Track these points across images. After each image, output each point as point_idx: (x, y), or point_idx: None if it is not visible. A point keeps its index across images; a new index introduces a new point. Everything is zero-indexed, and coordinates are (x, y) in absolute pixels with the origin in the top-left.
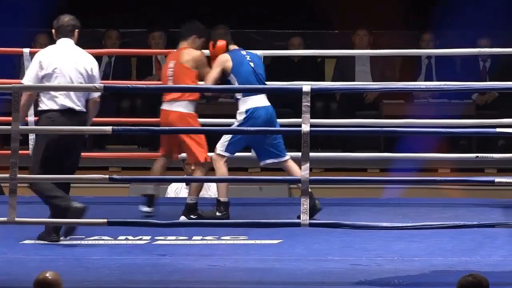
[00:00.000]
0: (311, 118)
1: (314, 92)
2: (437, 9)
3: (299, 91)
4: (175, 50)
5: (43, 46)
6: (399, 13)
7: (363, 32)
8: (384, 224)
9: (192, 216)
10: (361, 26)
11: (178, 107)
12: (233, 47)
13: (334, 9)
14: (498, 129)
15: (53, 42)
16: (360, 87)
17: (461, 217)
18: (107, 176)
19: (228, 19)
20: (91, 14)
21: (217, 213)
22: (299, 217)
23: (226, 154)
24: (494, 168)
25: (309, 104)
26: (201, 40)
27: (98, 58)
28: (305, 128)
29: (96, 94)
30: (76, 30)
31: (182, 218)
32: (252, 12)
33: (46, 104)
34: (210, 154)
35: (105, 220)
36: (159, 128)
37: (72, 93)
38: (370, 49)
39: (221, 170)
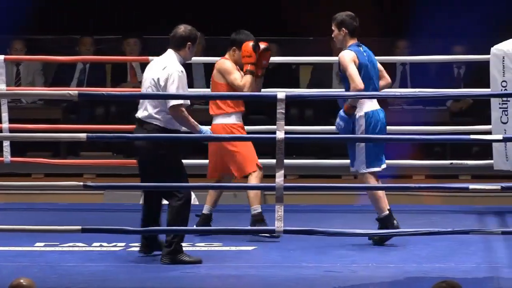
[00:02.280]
0: (285, 125)
1: (289, 99)
2: (412, 17)
3: (273, 98)
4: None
5: (19, 52)
6: (373, 20)
7: None
8: (358, 231)
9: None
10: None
11: (220, 120)
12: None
13: (309, 16)
14: (472, 136)
15: (28, 48)
16: (334, 94)
17: (435, 224)
18: (81, 183)
19: (203, 25)
20: (65, 21)
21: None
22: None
23: (373, 169)
24: (468, 175)
25: (283, 111)
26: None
27: (73, 64)
28: (280, 135)
29: (172, 103)
30: (189, 43)
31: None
32: (225, 18)
33: None
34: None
35: (80, 227)
36: (134, 135)
37: (142, 103)
38: None
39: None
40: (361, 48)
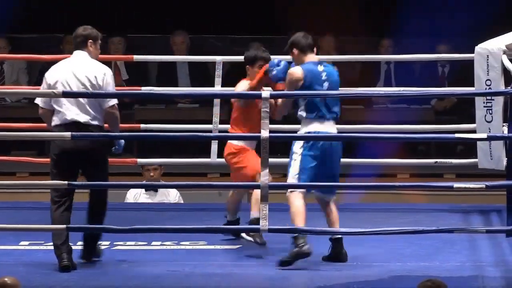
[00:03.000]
0: (270, 123)
1: (273, 98)
2: (396, 16)
3: (258, 97)
4: None
5: (3, 50)
6: (359, 19)
7: (329, 38)
8: (343, 230)
9: (251, 234)
10: (321, 31)
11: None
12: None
13: (294, 15)
14: (456, 135)
15: (12, 46)
16: (318, 92)
17: (420, 222)
18: (66, 182)
19: (188, 25)
20: (50, 19)
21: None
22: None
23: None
24: (453, 174)
25: (268, 110)
26: (253, 69)
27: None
28: (265, 133)
29: (112, 102)
30: (90, 40)
31: (243, 235)
32: (211, 17)
33: (54, 119)
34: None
35: (64, 226)
36: (118, 133)
37: (75, 106)
38: (334, 54)
39: (294, 204)
40: (319, 67)
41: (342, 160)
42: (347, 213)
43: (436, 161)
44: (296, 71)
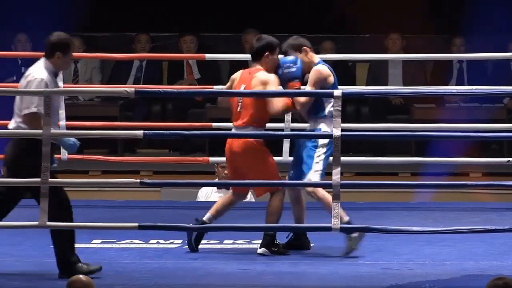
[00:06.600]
0: (342, 122)
1: (345, 97)
2: (468, 14)
3: (330, 96)
4: (246, 69)
5: (77, 49)
6: (430, 18)
7: (396, 36)
8: (415, 229)
9: (273, 249)
10: (392, 30)
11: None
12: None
13: (366, 14)
14: None
15: (87, 45)
16: (390, 91)
17: (492, 222)
18: (138, 180)
19: (257, 23)
20: (122, 19)
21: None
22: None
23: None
24: None
25: (340, 109)
26: (274, 56)
27: (129, 62)
28: (336, 132)
29: (25, 111)
30: (58, 52)
31: (263, 250)
32: (283, 16)
33: None
34: None
35: (136, 224)
36: (190, 132)
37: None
38: (403, 53)
39: (326, 197)
40: None
41: (414, 158)
42: (419, 212)
43: (509, 160)
44: (325, 69)
